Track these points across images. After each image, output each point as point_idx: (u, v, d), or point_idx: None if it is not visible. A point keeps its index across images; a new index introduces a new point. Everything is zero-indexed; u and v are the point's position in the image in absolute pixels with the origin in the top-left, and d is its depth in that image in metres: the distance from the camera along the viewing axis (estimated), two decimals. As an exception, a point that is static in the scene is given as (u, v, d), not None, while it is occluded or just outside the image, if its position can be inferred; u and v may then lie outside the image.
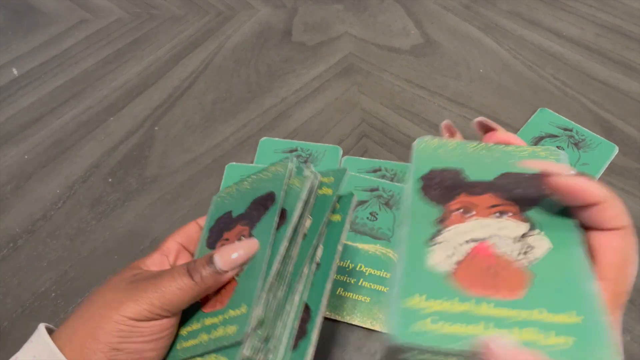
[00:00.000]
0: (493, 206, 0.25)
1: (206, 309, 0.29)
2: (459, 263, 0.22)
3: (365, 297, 0.40)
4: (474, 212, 0.24)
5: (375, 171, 0.49)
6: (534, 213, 0.24)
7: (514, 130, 0.52)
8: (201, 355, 0.27)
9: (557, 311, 0.20)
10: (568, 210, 0.23)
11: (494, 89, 0.57)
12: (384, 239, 0.43)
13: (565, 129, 0.52)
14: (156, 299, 0.26)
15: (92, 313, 0.27)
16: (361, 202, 0.46)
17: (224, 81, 0.60)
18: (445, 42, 0.64)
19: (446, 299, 0.21)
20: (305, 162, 0.50)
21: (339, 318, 0.40)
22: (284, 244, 0.28)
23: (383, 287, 0.41)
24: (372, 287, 0.41)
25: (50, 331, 0.27)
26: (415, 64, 0.61)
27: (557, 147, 0.49)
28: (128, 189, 0.49)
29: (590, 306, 0.20)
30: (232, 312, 0.27)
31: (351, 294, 0.41)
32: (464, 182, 0.26)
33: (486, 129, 0.28)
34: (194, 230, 0.34)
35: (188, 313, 0.29)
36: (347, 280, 0.41)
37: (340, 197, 0.31)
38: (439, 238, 0.24)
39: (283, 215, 0.29)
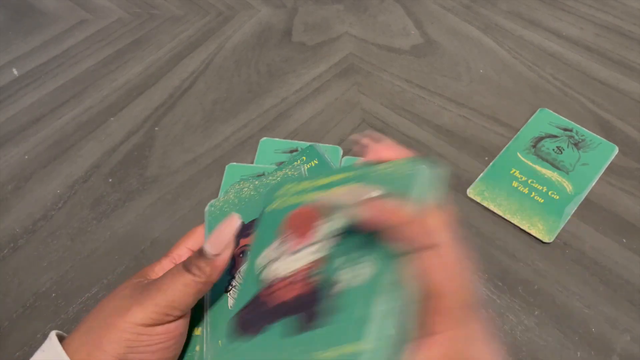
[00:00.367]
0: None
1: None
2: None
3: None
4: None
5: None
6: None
7: (514, 130, 0.52)
8: None
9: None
10: (374, 239, 0.23)
11: (494, 89, 0.57)
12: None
13: (565, 129, 0.52)
14: (161, 299, 0.26)
15: (98, 322, 0.27)
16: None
17: (224, 81, 0.60)
18: (445, 42, 0.64)
19: None
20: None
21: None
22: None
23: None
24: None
25: (60, 337, 0.27)
26: (415, 64, 0.61)
27: (557, 147, 0.50)
28: (128, 189, 0.49)
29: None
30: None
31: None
32: (242, 227, 0.29)
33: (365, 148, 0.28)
34: (203, 235, 0.34)
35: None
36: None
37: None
38: (233, 283, 0.31)
39: None
